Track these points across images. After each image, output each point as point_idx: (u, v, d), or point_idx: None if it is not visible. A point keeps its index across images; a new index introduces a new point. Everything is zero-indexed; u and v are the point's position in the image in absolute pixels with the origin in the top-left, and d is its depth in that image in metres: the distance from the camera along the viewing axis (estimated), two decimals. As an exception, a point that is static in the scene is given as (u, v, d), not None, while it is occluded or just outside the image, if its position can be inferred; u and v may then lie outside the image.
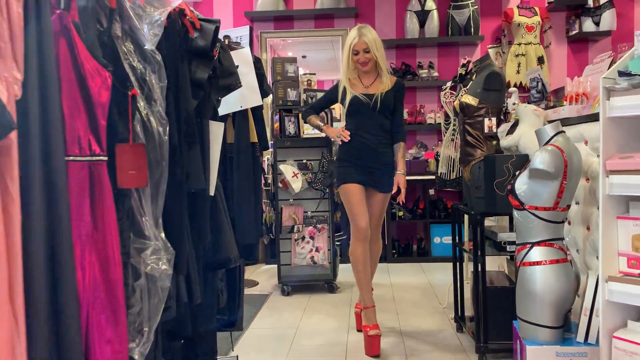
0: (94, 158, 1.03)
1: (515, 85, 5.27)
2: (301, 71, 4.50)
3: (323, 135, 3.67)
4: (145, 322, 1.17)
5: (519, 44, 5.30)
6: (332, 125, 4.27)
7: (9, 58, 0.86)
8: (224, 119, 1.83)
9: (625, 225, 1.78)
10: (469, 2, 5.32)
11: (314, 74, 4.35)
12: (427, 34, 5.38)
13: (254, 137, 2.02)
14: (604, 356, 1.77)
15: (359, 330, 3.09)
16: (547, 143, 2.06)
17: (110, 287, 1.03)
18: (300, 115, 4.04)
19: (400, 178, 2.99)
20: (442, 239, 5.21)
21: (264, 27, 5.63)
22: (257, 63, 2.07)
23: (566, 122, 2.50)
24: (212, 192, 1.56)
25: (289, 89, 4.08)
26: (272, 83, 4.15)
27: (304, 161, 4.17)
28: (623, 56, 1.85)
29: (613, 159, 1.76)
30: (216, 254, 1.68)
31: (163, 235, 1.19)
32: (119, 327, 1.04)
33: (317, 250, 4.23)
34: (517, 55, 5.30)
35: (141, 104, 1.14)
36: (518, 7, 5.35)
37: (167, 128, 1.17)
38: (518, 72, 5.28)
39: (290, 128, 4.11)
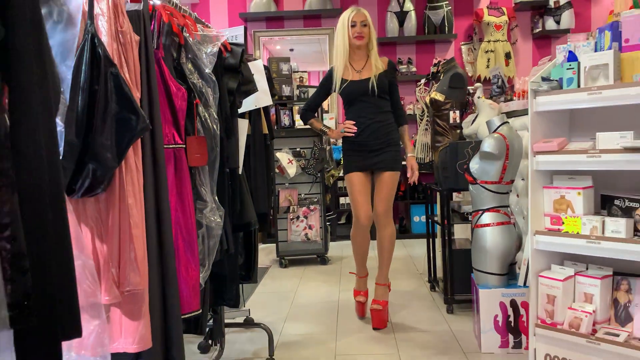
0: (177, 146, 1.56)
1: (485, 79, 5.86)
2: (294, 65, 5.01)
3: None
4: (206, 257, 1.71)
5: (489, 41, 5.88)
6: (322, 117, 4.81)
7: (135, 84, 1.39)
8: (243, 115, 2.36)
9: (549, 193, 2.35)
10: (444, 3, 5.87)
11: (305, 72, 4.88)
12: (406, 32, 5.92)
13: (265, 130, 2.56)
14: (532, 291, 2.36)
15: (360, 318, 3.19)
16: (494, 131, 2.63)
17: (189, 230, 1.57)
18: (295, 109, 4.57)
19: (412, 161, 3.03)
20: (420, 218, 5.80)
21: (257, 27, 6.12)
22: (266, 70, 2.60)
23: (515, 114, 3.08)
24: (240, 171, 2.10)
25: (283, 85, 4.60)
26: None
27: (298, 149, 4.71)
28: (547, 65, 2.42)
29: (538, 143, 2.33)
30: (241, 218, 2.22)
31: (216, 198, 1.73)
32: (194, 257, 1.58)
33: (310, 228, 4.79)
34: (486, 52, 5.88)
35: (201, 109, 1.68)
36: (487, 7, 5.92)
37: (219, 125, 1.71)
38: (488, 66, 5.86)
39: (285, 120, 4.64)
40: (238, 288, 2.45)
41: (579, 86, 2.22)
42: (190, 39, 1.68)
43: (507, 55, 5.89)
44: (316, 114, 4.41)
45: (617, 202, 2.23)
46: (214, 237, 1.71)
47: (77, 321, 0.83)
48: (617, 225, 2.14)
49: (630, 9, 5.17)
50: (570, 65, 2.24)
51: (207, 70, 1.67)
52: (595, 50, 2.28)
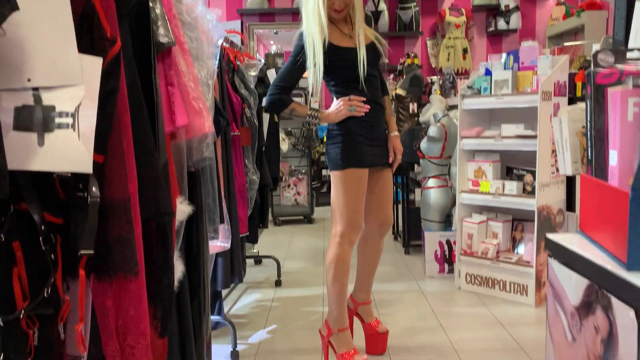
0: (235, 133, 2.58)
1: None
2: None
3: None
4: (249, 202, 2.75)
5: (449, 38, 6.92)
6: (308, 102, 5.81)
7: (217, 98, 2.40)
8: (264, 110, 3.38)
9: (471, 165, 3.44)
10: (412, 4, 6.87)
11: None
12: (380, 29, 6.90)
13: (276, 119, 3.59)
14: (458, 231, 3.47)
15: None
16: (437, 121, 3.71)
17: (241, 182, 2.60)
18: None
19: (396, 141, 2.39)
20: (390, 187, 6.90)
21: (251, 21, 7.04)
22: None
23: (455, 107, 4.16)
24: (263, 149, 3.13)
25: (278, 76, 5.59)
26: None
27: (289, 129, 5.73)
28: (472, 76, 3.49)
29: (464, 130, 3.41)
30: (262, 179, 3.26)
31: (255, 165, 2.76)
32: (244, 200, 2.62)
33: (299, 194, 5.84)
34: (447, 47, 6.93)
35: (247, 110, 2.69)
36: (449, 8, 6.94)
37: (256, 119, 2.73)
38: (448, 60, 6.92)
39: (279, 105, 5.64)
40: (257, 230, 3.50)
41: (490, 93, 3.30)
42: (241, 65, 2.68)
43: (465, 51, 6.95)
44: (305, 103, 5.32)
45: (515, 171, 3.34)
46: (253, 189, 2.75)
47: (223, 214, 1.87)
48: (512, 186, 3.25)
49: (563, 17, 6.31)
50: (485, 78, 3.32)
51: (251, 86, 2.68)
52: (504, 69, 3.35)
